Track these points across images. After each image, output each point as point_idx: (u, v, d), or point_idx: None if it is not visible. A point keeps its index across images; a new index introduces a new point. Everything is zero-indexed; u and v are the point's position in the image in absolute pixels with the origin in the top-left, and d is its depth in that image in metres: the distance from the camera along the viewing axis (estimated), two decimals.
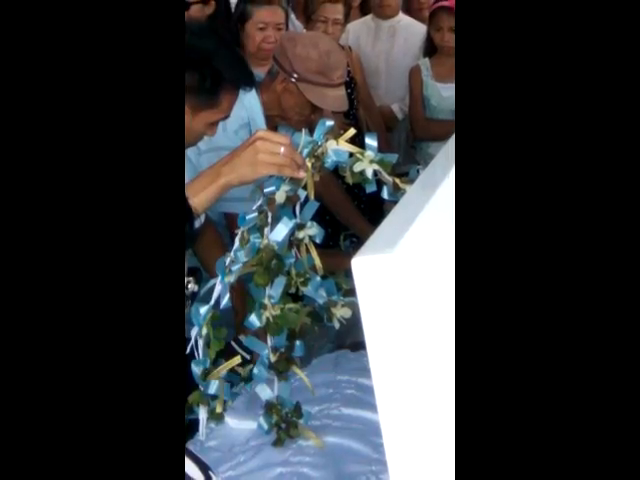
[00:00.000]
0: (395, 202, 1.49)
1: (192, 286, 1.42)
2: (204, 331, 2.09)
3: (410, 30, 4.91)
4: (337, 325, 2.13)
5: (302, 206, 2.10)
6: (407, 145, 4.74)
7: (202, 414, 2.17)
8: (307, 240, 2.12)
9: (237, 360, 2.18)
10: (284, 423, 2.11)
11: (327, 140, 2.02)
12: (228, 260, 2.07)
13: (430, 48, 4.51)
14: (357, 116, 4.16)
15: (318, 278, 2.12)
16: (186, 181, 2.21)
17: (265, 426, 2.12)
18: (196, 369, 2.12)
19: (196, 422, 2.19)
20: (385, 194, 2.05)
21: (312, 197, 2.10)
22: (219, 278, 2.07)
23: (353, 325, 1.93)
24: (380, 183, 2.05)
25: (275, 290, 2.03)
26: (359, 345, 2.40)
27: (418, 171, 2.16)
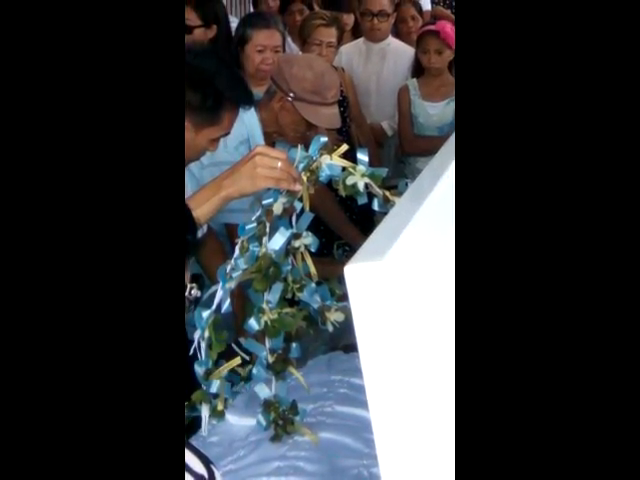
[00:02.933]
0: (385, 213, 1.49)
1: (195, 292, 1.41)
2: (206, 334, 2.09)
3: (399, 52, 4.92)
4: (331, 328, 2.13)
5: (298, 217, 2.10)
6: (396, 160, 4.74)
7: (204, 412, 2.17)
8: (303, 249, 2.12)
9: (237, 361, 2.18)
10: (281, 420, 2.11)
11: (321, 155, 2.02)
12: (229, 267, 2.07)
13: (417, 69, 4.52)
14: (349, 133, 4.16)
15: (313, 284, 2.12)
16: (190, 194, 2.21)
17: (263, 423, 2.12)
18: (199, 369, 2.12)
19: (199, 419, 2.18)
20: (376, 206, 2.06)
21: (307, 208, 2.10)
22: (220, 284, 2.07)
23: (346, 328, 1.93)
24: (371, 195, 2.05)
25: (273, 295, 2.03)
26: (351, 347, 2.39)
27: (407, 184, 2.16)
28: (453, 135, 1.84)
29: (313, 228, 2.14)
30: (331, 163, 2.01)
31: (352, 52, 4.99)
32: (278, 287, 2.03)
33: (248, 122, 2.98)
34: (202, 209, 2.08)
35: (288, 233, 2.03)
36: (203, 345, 2.11)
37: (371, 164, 2.06)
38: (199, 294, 1.45)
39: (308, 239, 2.10)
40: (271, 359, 2.11)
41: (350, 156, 2.06)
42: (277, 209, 2.02)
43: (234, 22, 4.38)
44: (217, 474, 1.27)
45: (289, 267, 2.08)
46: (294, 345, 2.15)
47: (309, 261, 2.15)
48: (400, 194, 2.01)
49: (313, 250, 2.13)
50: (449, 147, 1.65)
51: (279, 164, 2.03)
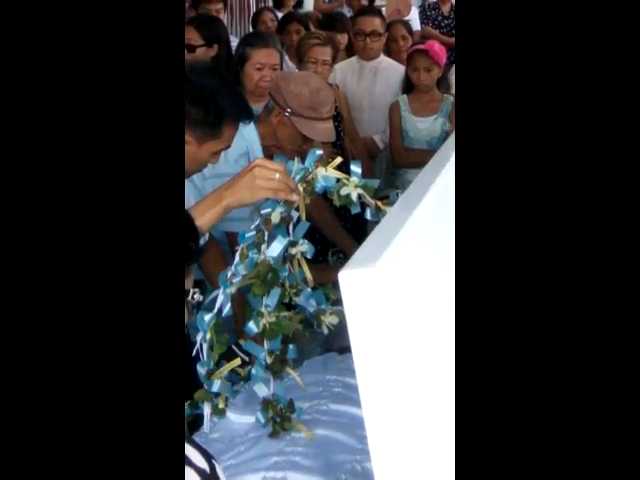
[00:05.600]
0: (377, 222, 1.49)
1: (197, 296, 1.42)
2: (208, 336, 2.09)
3: (390, 70, 4.93)
4: (326, 331, 2.13)
5: (295, 226, 2.10)
6: (387, 172, 4.74)
7: (206, 409, 2.17)
8: (299, 256, 2.12)
9: (237, 362, 2.18)
10: (279, 417, 2.11)
11: (317, 167, 2.03)
12: (229, 273, 2.08)
13: (408, 86, 4.53)
14: (343, 146, 4.16)
15: (309, 289, 2.12)
16: (192, 203, 2.21)
17: (262, 420, 2.12)
18: (201, 370, 2.12)
19: (201, 417, 2.18)
20: (368, 215, 2.06)
21: (304, 217, 2.10)
22: (221, 289, 2.08)
23: (340, 331, 1.93)
24: (364, 205, 2.05)
25: (271, 300, 2.03)
26: (345, 348, 2.40)
27: (397, 194, 2.16)
28: (441, 148, 1.84)
29: (309, 236, 2.14)
30: (326, 175, 2.01)
31: (346, 70, 5.00)
32: (276, 292, 2.03)
33: (248, 136, 2.98)
34: (204, 218, 2.08)
35: (285, 241, 2.03)
36: (205, 347, 2.11)
37: (364, 176, 2.06)
38: (201, 298, 1.45)
39: (304, 246, 2.10)
40: (269, 360, 2.11)
41: (344, 168, 2.06)
42: (275, 218, 2.02)
43: (234, 42, 4.39)
44: (218, 468, 1.27)
45: (286, 273, 2.08)
46: (291, 347, 2.15)
47: (305, 267, 2.15)
48: (391, 204, 2.01)
49: (309, 257, 2.14)
50: (438, 159, 1.65)
51: (277, 175, 2.03)
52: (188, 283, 1.41)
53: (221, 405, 2.18)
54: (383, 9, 6.05)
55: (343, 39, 5.15)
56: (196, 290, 1.42)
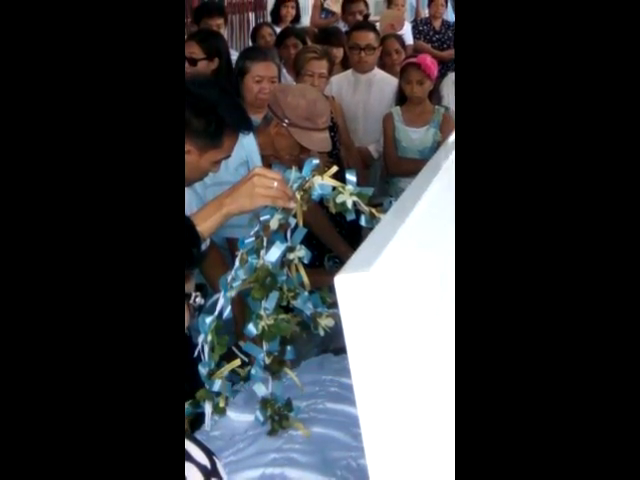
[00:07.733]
0: (371, 228, 1.50)
1: (199, 300, 1.42)
2: (209, 338, 2.09)
3: (384, 82, 4.94)
4: (322, 333, 2.13)
5: (292, 232, 2.10)
6: (381, 180, 4.74)
7: (207, 408, 2.17)
8: (297, 261, 2.12)
9: (237, 362, 2.18)
10: (277, 416, 2.11)
11: (314, 176, 2.03)
12: (230, 277, 2.08)
13: (401, 98, 4.53)
14: (339, 155, 4.16)
15: (306, 293, 2.12)
16: (194, 210, 2.22)
17: (261, 418, 2.12)
18: (202, 370, 2.12)
19: (202, 415, 2.18)
20: (363, 222, 2.06)
21: (301, 224, 2.11)
22: (222, 293, 2.08)
23: (336, 332, 1.93)
24: (359, 212, 2.05)
25: (269, 303, 2.04)
26: (341, 349, 2.40)
27: (391, 202, 2.16)
28: (433, 157, 1.85)
29: (306, 242, 2.14)
30: (322, 183, 2.01)
31: (341, 82, 5.00)
32: (274, 295, 2.03)
33: (247, 146, 2.98)
34: (205, 224, 2.08)
35: (283, 246, 2.03)
36: (206, 348, 2.11)
37: (359, 184, 2.06)
38: (202, 302, 1.45)
39: (301, 252, 2.10)
40: (268, 360, 2.11)
41: (340, 177, 2.06)
42: (273, 225, 2.03)
43: (234, 55, 4.40)
44: (219, 465, 1.27)
45: (284, 277, 2.09)
46: (289, 348, 2.16)
47: (302, 272, 2.15)
48: (385, 211, 2.01)
49: (306, 262, 2.14)
50: (429, 168, 1.65)
51: (275, 184, 2.04)
52: (190, 287, 1.41)
53: (222, 404, 2.18)
54: (377, 24, 6.04)
55: (339, 53, 5.15)
56: (197, 294, 1.43)
